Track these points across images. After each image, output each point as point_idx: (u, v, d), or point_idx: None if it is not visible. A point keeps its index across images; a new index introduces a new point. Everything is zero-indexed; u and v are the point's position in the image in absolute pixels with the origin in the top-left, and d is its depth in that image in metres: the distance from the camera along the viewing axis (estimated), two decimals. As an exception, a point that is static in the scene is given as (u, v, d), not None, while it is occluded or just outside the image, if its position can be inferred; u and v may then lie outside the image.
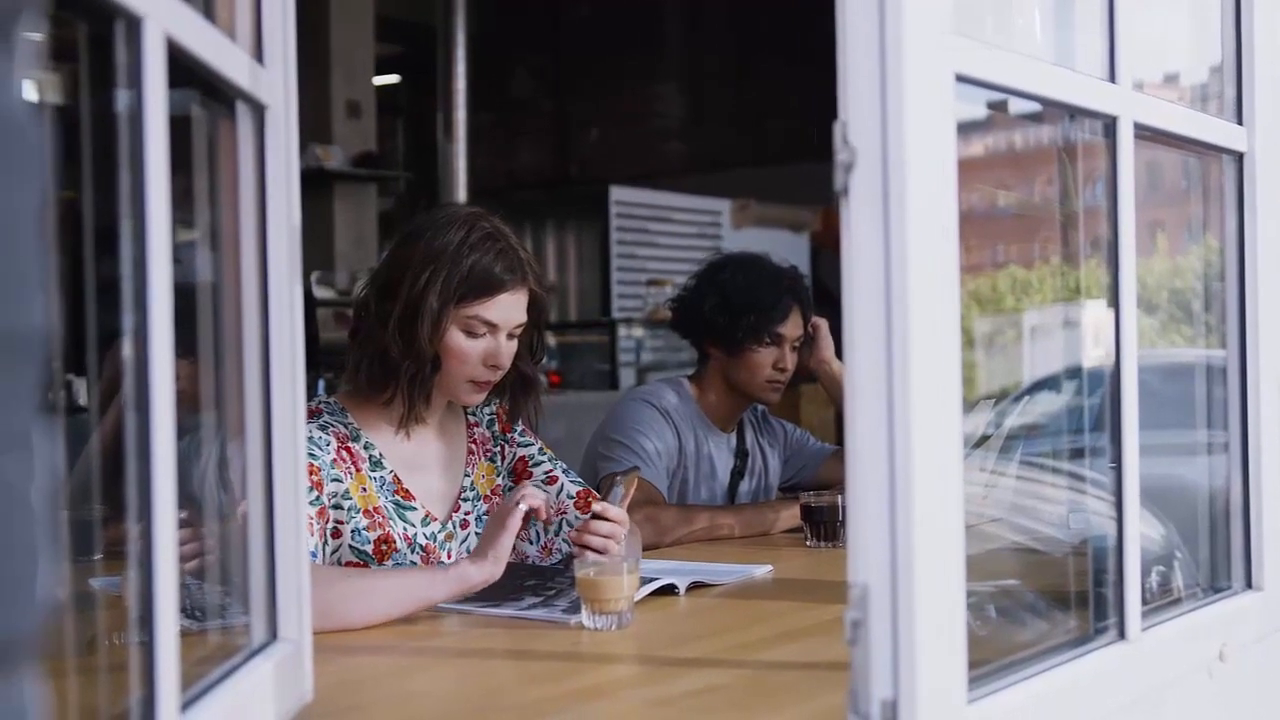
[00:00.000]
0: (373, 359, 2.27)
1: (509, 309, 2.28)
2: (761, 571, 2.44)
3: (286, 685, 1.40)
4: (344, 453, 2.24)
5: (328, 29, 7.88)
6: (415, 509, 2.31)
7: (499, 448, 2.48)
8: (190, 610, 1.35)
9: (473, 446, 2.44)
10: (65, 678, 1.09)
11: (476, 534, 2.37)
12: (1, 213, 0.56)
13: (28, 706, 0.58)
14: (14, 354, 0.56)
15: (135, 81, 1.02)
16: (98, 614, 1.41)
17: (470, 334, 2.26)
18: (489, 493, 2.43)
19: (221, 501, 1.51)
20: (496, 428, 2.48)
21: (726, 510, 3.01)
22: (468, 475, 2.42)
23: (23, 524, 0.57)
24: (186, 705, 1.12)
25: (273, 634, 1.42)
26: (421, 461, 2.36)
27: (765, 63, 9.75)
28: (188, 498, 1.14)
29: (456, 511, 2.38)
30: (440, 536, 2.33)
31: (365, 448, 2.30)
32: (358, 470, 2.26)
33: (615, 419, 3.09)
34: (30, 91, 0.60)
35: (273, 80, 1.41)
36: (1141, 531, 1.61)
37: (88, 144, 1.11)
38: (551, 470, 2.46)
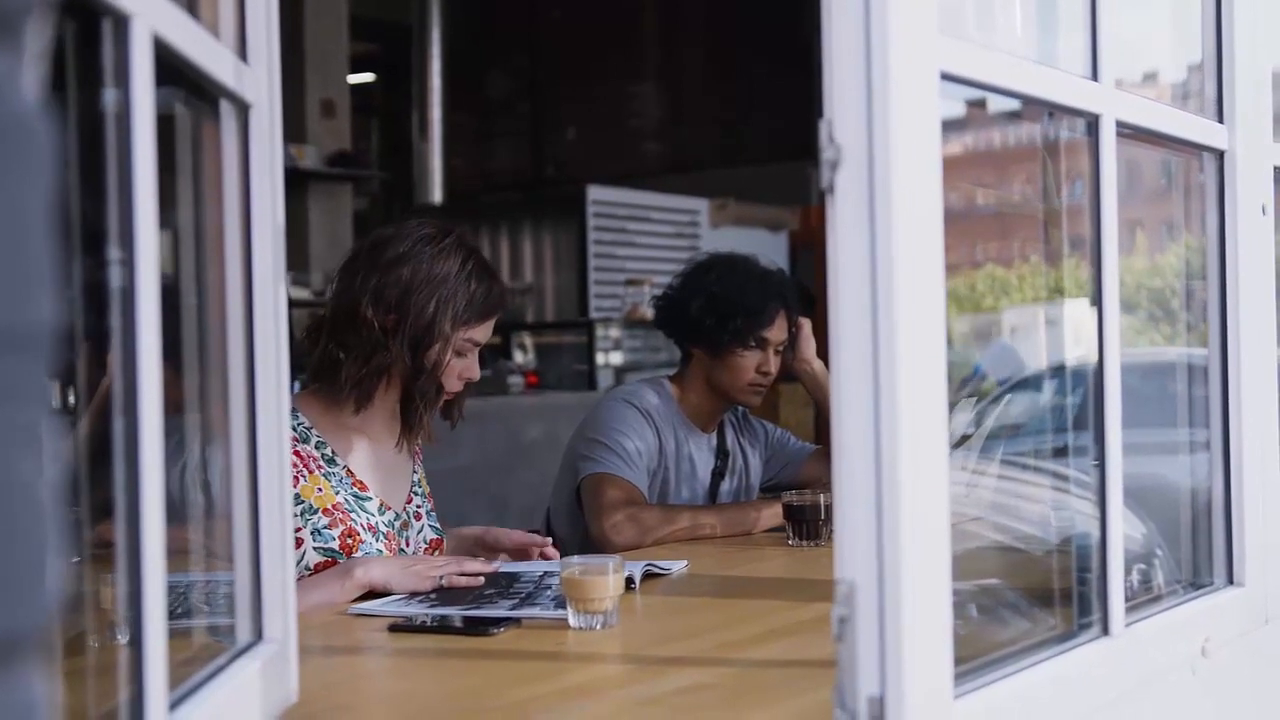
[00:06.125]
0: (377, 374, 2.35)
1: (491, 330, 2.46)
2: (678, 567, 2.45)
3: (272, 686, 1.39)
4: (293, 456, 2.27)
5: (302, 27, 7.87)
6: (371, 498, 2.40)
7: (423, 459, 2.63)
8: (173, 610, 1.34)
9: (416, 449, 2.57)
10: (50, 679, 1.09)
11: (430, 525, 2.53)
12: (12, 211, 0.56)
13: (36, 701, 0.58)
14: (24, 350, 0.56)
15: (123, 80, 1.02)
16: (81, 615, 1.40)
17: (458, 354, 2.40)
18: (428, 492, 2.59)
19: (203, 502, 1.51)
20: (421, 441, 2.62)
21: (708, 510, 3.01)
22: (416, 472, 2.55)
23: (34, 520, 0.57)
24: (174, 705, 1.12)
25: (258, 634, 1.41)
26: (374, 459, 2.45)
27: (743, 62, 9.77)
28: (169, 500, 1.13)
29: (409, 503, 2.50)
30: (397, 525, 2.44)
31: (316, 447, 2.37)
32: (310, 472, 2.33)
33: (596, 419, 3.09)
34: (37, 90, 0.60)
35: (257, 78, 1.40)
36: (1123, 530, 1.62)
37: (71, 142, 1.11)
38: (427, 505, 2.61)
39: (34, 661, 0.58)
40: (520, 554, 2.50)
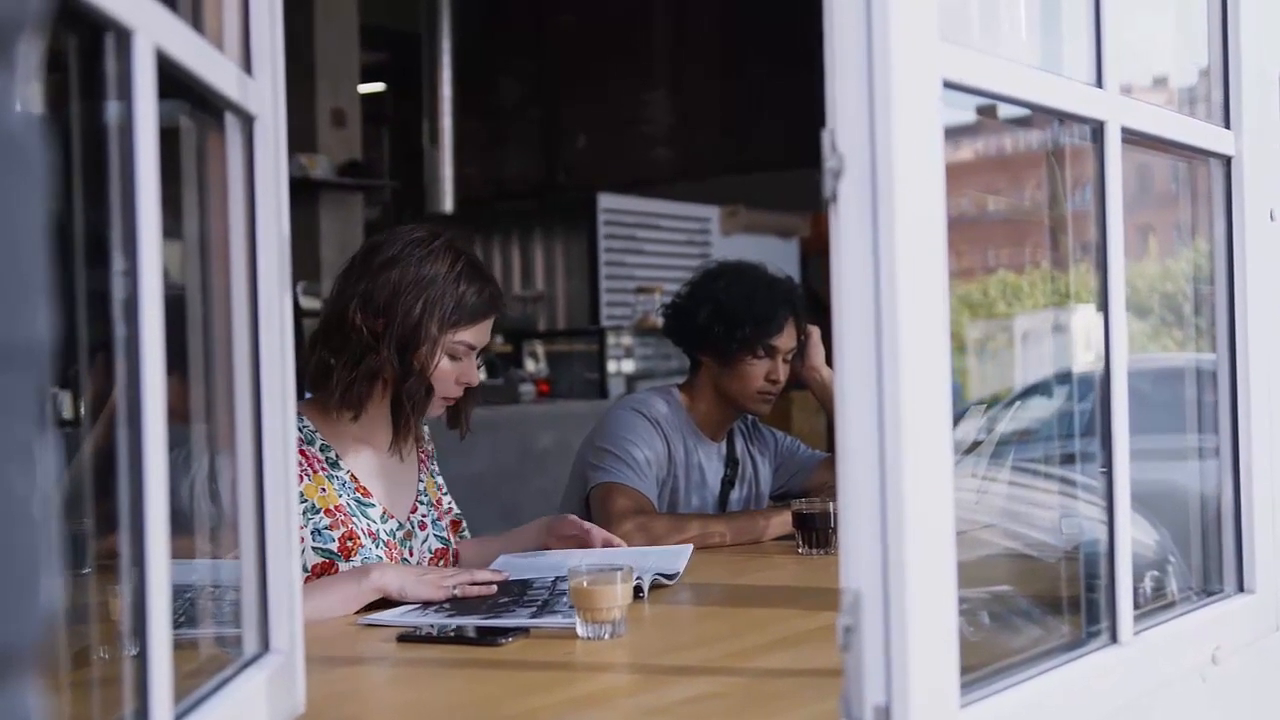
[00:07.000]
0: (367, 378, 2.35)
1: (487, 333, 2.44)
2: (685, 555, 2.48)
3: (279, 697, 1.39)
4: (298, 456, 2.28)
5: (312, 37, 7.87)
6: (374, 505, 2.41)
7: (435, 465, 2.63)
8: (178, 620, 1.35)
9: (422, 457, 2.58)
10: (58, 691, 1.09)
11: (435, 535, 2.52)
12: (7, 227, 0.56)
13: (30, 715, 0.58)
14: (18, 365, 0.57)
15: (125, 93, 1.02)
16: (89, 627, 1.41)
17: (452, 357, 2.39)
18: (436, 500, 2.57)
19: (211, 514, 1.51)
20: (430, 447, 2.63)
21: (717, 518, 3.00)
22: (421, 481, 2.54)
23: (26, 534, 0.57)
24: (179, 717, 1.12)
25: (265, 645, 1.41)
26: (378, 467, 2.46)
27: (753, 68, 9.76)
28: (177, 511, 1.14)
29: (414, 513, 2.50)
30: (400, 535, 2.44)
31: (321, 450, 2.38)
32: (315, 472, 2.34)
33: (605, 428, 3.09)
34: (31, 104, 0.60)
35: (261, 90, 1.40)
36: (1135, 537, 1.61)
37: (76, 155, 1.11)
38: (450, 504, 2.63)
39: (28, 675, 0.58)
40: (580, 542, 2.52)
